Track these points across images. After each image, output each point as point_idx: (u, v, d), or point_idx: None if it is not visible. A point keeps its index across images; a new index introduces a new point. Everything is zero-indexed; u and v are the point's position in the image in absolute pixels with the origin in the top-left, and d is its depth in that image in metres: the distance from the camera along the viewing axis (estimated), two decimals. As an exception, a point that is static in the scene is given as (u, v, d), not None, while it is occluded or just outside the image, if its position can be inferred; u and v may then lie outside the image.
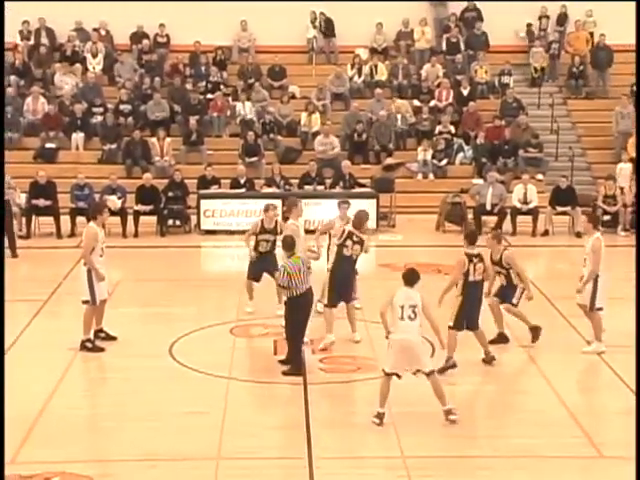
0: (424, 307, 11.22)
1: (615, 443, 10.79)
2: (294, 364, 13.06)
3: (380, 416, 11.26)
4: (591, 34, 29.20)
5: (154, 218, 22.56)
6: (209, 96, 27.39)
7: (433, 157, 25.90)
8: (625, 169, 24.48)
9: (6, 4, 26.84)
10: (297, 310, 13.10)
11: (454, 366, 13.02)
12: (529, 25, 29.66)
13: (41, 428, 11.33)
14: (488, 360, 13.36)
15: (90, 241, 13.83)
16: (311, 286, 13.20)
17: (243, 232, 16.30)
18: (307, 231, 21.95)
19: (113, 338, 14.32)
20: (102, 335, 14.27)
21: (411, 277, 11.45)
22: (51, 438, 11.06)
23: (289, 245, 13.30)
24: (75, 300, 16.93)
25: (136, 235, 21.57)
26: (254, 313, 15.65)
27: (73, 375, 13.19)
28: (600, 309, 13.87)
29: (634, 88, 27.23)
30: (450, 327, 13.01)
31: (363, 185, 23.86)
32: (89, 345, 13.90)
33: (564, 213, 23.14)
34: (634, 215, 22.83)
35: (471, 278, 13.00)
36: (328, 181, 24.15)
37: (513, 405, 12.18)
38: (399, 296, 11.23)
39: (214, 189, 23.50)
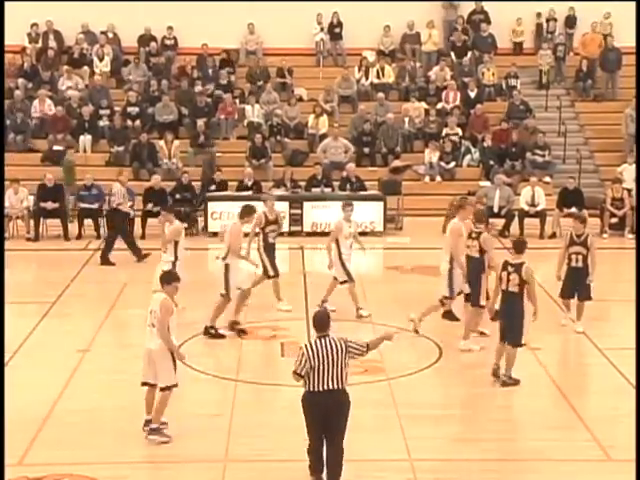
0: None
1: (624, 446, 10.75)
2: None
3: None
4: (605, 36, 29.09)
5: (161, 220, 22.59)
6: (216, 95, 27.39)
7: (440, 159, 25.86)
8: (630, 170, 24.34)
9: (15, 6, 26.89)
10: (306, 409, 9.89)
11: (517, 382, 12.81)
12: (538, 25, 29.67)
13: (49, 430, 11.35)
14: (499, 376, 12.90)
15: None
16: (339, 389, 9.69)
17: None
18: (315, 233, 22.25)
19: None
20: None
21: None
22: (59, 440, 11.07)
23: (319, 325, 9.88)
24: (83, 301, 17.02)
25: (143, 237, 21.55)
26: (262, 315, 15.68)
27: (81, 376, 13.19)
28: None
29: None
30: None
31: (365, 188, 23.86)
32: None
33: (571, 215, 22.99)
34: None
35: (504, 287, 12.67)
36: (335, 184, 24.15)
37: (521, 408, 12.15)
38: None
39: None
